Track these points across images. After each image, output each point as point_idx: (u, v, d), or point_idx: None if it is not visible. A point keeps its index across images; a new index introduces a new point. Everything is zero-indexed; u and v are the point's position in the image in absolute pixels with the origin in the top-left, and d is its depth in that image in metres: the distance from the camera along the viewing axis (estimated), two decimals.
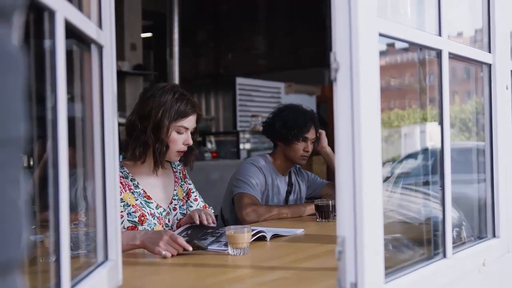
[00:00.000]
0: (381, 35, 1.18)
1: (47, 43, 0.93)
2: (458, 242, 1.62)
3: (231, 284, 1.51)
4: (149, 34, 8.40)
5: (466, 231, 1.76)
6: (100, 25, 1.27)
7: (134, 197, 2.10)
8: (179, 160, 2.26)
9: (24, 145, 0.59)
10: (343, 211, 1.10)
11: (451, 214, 1.47)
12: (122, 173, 2.10)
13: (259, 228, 2.07)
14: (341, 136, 1.10)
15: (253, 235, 1.95)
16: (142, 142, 2.09)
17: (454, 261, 1.47)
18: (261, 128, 3.11)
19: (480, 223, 1.80)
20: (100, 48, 1.27)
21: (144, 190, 2.14)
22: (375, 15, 1.15)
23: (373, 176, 1.13)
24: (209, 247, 1.84)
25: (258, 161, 2.84)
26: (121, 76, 6.34)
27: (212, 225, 2.06)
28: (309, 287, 1.45)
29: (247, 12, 9.12)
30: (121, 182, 2.06)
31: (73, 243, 1.01)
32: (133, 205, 2.08)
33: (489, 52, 1.76)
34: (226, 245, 1.81)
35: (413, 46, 1.54)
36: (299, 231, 2.24)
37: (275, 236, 2.10)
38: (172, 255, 1.75)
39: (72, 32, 1.05)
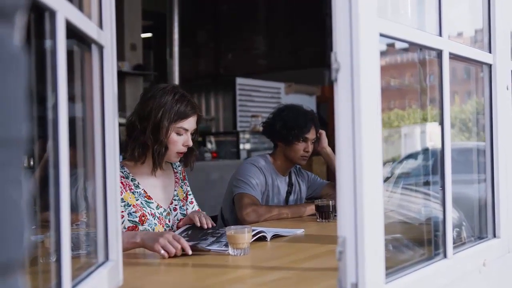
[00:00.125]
0: (381, 35, 1.18)
1: (48, 43, 0.93)
2: (459, 242, 1.62)
3: (232, 285, 1.51)
4: (149, 34, 8.40)
5: (466, 231, 1.76)
6: (100, 25, 1.27)
7: (135, 197, 2.10)
8: (179, 161, 2.26)
9: (26, 145, 0.59)
10: (344, 212, 1.10)
11: (451, 214, 1.47)
12: (122, 173, 2.10)
13: (260, 229, 2.07)
14: (342, 136, 1.10)
15: (253, 236, 1.95)
16: (141, 142, 2.09)
17: (454, 261, 1.47)
18: (261, 128, 3.10)
19: (480, 223, 1.80)
20: (100, 48, 1.27)
21: (144, 190, 2.14)
22: (376, 15, 1.15)
23: (373, 176, 1.13)
24: (209, 247, 1.84)
25: (258, 161, 2.84)
26: (121, 76, 6.34)
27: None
28: (310, 287, 1.45)
29: (247, 12, 9.12)
30: (121, 182, 2.06)
31: (73, 244, 1.01)
32: (133, 205, 2.08)
33: (490, 52, 1.76)
34: (226, 245, 1.81)
35: (413, 46, 1.54)
36: (300, 231, 2.24)
37: (275, 236, 2.10)
38: (170, 256, 1.74)
39: (72, 32, 1.05)
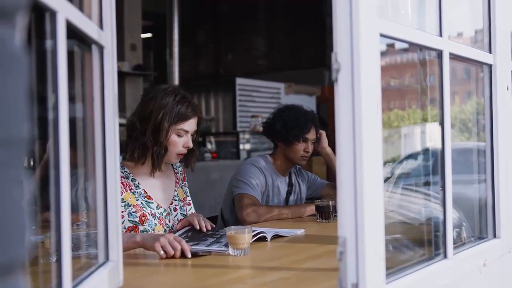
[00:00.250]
0: (382, 35, 1.18)
1: (48, 43, 0.93)
2: (459, 243, 1.62)
3: (232, 285, 1.51)
4: (149, 35, 8.41)
5: (466, 232, 1.76)
6: (101, 25, 1.27)
7: (135, 197, 2.10)
8: (180, 162, 2.26)
9: (27, 145, 0.59)
10: (344, 212, 1.10)
11: (452, 215, 1.47)
12: (123, 173, 2.10)
13: (260, 229, 2.07)
14: (342, 136, 1.10)
15: (254, 236, 1.95)
16: (141, 143, 2.09)
17: (454, 262, 1.47)
18: (261, 129, 3.10)
19: (480, 224, 1.80)
20: (101, 48, 1.27)
21: (144, 190, 2.14)
22: (376, 15, 1.15)
23: (374, 176, 1.13)
24: (209, 248, 1.84)
25: (258, 161, 2.84)
26: (121, 76, 6.34)
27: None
28: (310, 287, 1.45)
29: (247, 12, 9.12)
30: (122, 182, 2.06)
31: (74, 244, 1.01)
32: (133, 205, 2.08)
33: (490, 52, 1.76)
34: (226, 245, 1.81)
35: (413, 47, 1.54)
36: (300, 232, 2.23)
37: (275, 237, 2.10)
38: (168, 257, 1.74)
39: (73, 32, 1.05)
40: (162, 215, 2.15)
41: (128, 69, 6.58)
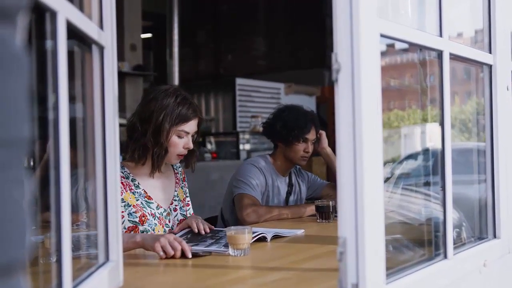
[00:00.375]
0: (382, 35, 1.18)
1: (48, 43, 0.93)
2: (459, 243, 1.62)
3: (232, 285, 1.51)
4: (149, 35, 8.40)
5: (466, 232, 1.76)
6: (101, 25, 1.27)
7: (135, 197, 2.10)
8: (180, 162, 2.26)
9: (27, 145, 0.59)
10: (345, 212, 1.10)
11: (452, 215, 1.47)
12: (123, 173, 2.10)
13: (260, 230, 2.07)
14: (342, 136, 1.10)
15: (253, 237, 1.95)
16: (141, 144, 2.09)
17: (455, 262, 1.47)
18: (261, 129, 3.10)
19: (480, 224, 1.80)
20: (101, 48, 1.27)
21: (144, 191, 2.14)
22: (376, 15, 1.15)
23: (374, 176, 1.13)
24: (209, 248, 1.84)
25: (258, 161, 2.84)
26: (121, 76, 6.34)
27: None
28: (310, 287, 1.45)
29: (247, 13, 9.12)
30: (122, 182, 2.06)
31: (74, 244, 1.01)
32: (133, 205, 2.08)
33: (490, 52, 1.76)
34: (226, 246, 1.81)
35: (413, 47, 1.54)
36: (300, 232, 2.23)
37: (275, 237, 2.10)
38: (167, 257, 1.74)
39: (73, 32, 1.05)
40: (162, 215, 2.15)
41: (128, 69, 6.58)
